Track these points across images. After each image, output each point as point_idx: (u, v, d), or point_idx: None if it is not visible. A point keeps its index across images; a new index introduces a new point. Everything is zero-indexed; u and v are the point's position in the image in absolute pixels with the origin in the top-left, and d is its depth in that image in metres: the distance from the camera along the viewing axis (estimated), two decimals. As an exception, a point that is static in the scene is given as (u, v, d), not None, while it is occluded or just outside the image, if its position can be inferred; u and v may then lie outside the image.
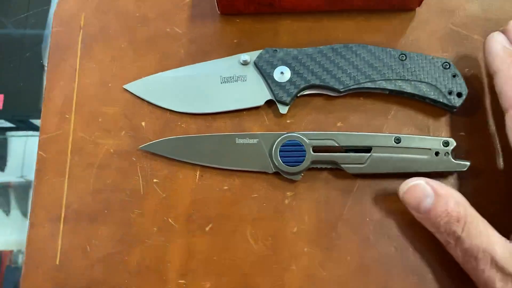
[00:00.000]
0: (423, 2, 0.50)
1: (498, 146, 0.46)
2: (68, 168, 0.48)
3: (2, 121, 0.83)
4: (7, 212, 0.89)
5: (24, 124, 0.84)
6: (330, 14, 0.51)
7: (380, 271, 0.44)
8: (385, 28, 0.51)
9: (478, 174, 0.45)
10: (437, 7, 0.51)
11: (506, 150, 0.46)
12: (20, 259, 0.90)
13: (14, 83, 0.83)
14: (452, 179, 0.46)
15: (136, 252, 0.45)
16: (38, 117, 0.50)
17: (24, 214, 0.90)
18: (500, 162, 0.46)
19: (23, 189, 0.90)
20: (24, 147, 0.86)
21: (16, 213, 0.91)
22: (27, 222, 0.46)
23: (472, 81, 0.48)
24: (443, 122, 0.47)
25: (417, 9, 0.51)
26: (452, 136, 0.46)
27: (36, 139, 0.48)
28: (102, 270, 0.45)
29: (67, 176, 0.47)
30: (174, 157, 0.47)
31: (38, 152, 0.48)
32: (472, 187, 0.45)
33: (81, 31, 0.52)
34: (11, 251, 0.91)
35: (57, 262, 0.45)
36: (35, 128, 0.82)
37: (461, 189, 0.45)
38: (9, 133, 0.85)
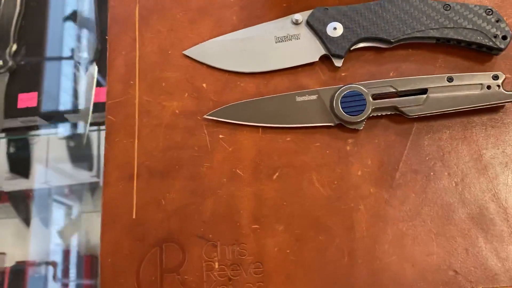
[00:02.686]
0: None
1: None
2: (137, 129, 0.50)
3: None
4: (27, 221, 0.90)
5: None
6: (372, -25, 0.54)
7: (443, 204, 0.46)
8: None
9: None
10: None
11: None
12: (43, 269, 0.91)
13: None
14: (505, 113, 0.48)
15: (209, 202, 0.47)
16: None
17: (45, 222, 0.92)
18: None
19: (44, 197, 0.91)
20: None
21: (36, 221, 0.92)
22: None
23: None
24: (489, 67, 0.50)
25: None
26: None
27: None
28: (178, 221, 0.47)
29: (136, 137, 0.50)
30: (238, 121, 0.49)
31: (107, 117, 0.51)
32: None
33: (137, 4, 0.55)
34: (33, 262, 0.92)
35: (134, 217, 0.47)
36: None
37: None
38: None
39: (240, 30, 0.53)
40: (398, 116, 0.48)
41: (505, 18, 0.51)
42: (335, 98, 0.48)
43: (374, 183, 0.47)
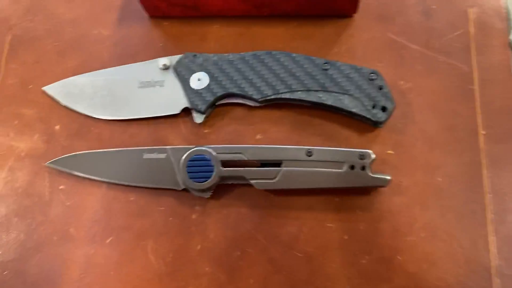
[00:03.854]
0: (361, 9, 0.46)
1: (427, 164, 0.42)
2: (-22, 170, 0.46)
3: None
4: None
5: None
6: (260, 19, 0.48)
7: (283, 298, 0.40)
8: (318, 35, 0.47)
9: (403, 192, 0.41)
10: (376, 13, 0.47)
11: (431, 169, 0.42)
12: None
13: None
14: (375, 195, 0.42)
15: (33, 261, 0.43)
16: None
17: None
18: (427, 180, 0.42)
19: None
20: None
21: None
22: None
23: (407, 94, 0.44)
24: (371, 139, 0.44)
25: (354, 15, 0.47)
26: (380, 154, 0.42)
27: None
28: (-3, 278, 0.43)
29: (-24, 179, 0.46)
30: (80, 174, 0.45)
31: (-49, 152, 0.47)
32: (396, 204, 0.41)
33: (10, 33, 0.51)
34: None
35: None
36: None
37: (382, 205, 0.41)
38: None
39: (105, 69, 0.48)
40: (253, 187, 0.43)
41: (402, 83, 0.44)
42: (181, 161, 0.42)
43: (212, 261, 0.42)
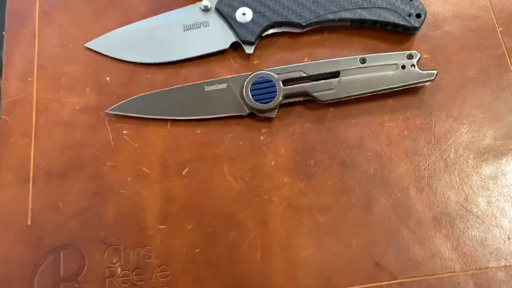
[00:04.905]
0: None
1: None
2: (34, 129, 0.46)
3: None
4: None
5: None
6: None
7: (362, 191, 0.43)
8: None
9: (444, 89, 0.46)
10: None
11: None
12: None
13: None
14: (423, 93, 0.46)
15: (112, 204, 0.44)
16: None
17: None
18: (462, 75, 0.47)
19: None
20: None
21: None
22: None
23: (431, 6, 0.50)
24: (407, 47, 0.48)
25: None
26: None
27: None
28: (78, 225, 0.43)
29: (33, 137, 0.46)
30: (143, 115, 0.46)
31: (1, 117, 0.46)
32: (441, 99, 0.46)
33: (38, -3, 0.51)
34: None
35: (29, 222, 0.43)
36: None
37: (430, 101, 0.46)
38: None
39: (145, 19, 0.50)
40: (312, 103, 0.46)
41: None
42: (244, 86, 0.45)
43: (288, 173, 0.44)
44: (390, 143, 0.45)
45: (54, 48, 0.49)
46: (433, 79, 0.45)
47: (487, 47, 0.48)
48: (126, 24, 0.50)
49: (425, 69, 0.45)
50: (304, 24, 0.47)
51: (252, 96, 0.45)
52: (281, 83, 0.45)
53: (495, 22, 0.49)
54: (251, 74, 0.45)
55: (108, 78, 0.48)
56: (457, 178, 0.44)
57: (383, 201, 0.43)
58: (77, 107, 0.47)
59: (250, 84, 0.45)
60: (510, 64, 0.47)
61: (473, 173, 0.44)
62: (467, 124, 0.45)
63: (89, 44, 0.49)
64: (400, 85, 0.45)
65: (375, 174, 0.44)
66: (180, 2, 0.51)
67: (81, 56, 0.49)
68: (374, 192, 0.43)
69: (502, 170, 0.44)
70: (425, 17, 0.47)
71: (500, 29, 0.49)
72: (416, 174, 0.44)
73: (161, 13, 0.50)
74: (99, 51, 0.49)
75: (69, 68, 0.48)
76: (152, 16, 0.50)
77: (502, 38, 0.48)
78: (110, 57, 0.48)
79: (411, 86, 0.45)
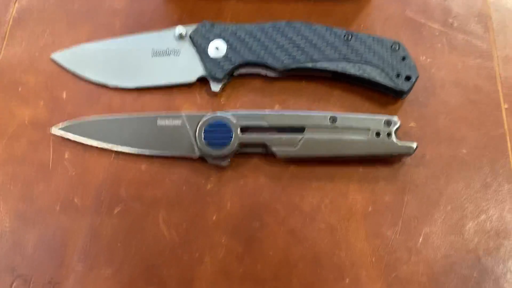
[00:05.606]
0: (379, -13, 0.46)
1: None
2: (-24, 136, 0.43)
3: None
4: None
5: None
6: (278, -5, 0.48)
7: (306, 270, 0.38)
8: (336, 13, 0.47)
9: (426, 164, 0.40)
10: (393, -7, 0.47)
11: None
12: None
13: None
14: (400, 166, 0.40)
15: (34, 231, 0.40)
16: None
17: None
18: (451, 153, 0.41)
19: None
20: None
21: None
22: None
23: (428, 69, 0.44)
24: (392, 112, 0.43)
25: (373, -6, 0.47)
26: (402, 126, 0.40)
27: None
28: (-8, 249, 0.39)
29: (-28, 145, 0.43)
30: (87, 141, 0.42)
31: None
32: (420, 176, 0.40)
33: (16, 1, 0.49)
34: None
35: None
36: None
37: (406, 177, 0.40)
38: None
39: (117, 38, 0.46)
40: (273, 156, 0.41)
41: (422, 58, 0.44)
42: (198, 126, 0.40)
43: (228, 232, 0.39)
44: (350, 218, 0.39)
45: (20, 55, 0.47)
46: (411, 154, 0.39)
47: (486, 125, 0.42)
48: (98, 39, 0.47)
49: (404, 140, 0.39)
50: (279, 69, 0.43)
51: (204, 139, 0.40)
52: (239, 130, 0.40)
53: (501, 98, 0.43)
54: (208, 115, 0.41)
55: (64, 95, 0.45)
56: (420, 272, 0.37)
57: (328, 286, 0.37)
58: (26, 121, 0.44)
59: (205, 126, 0.40)
60: (509, 149, 0.41)
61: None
62: (443, 212, 0.39)
63: (55, 55, 0.46)
64: (370, 154, 0.39)
65: (325, 252, 0.38)
66: (158, 25, 0.47)
67: (44, 67, 0.46)
68: (320, 273, 0.37)
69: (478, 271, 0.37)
70: (415, 81, 0.41)
71: (506, 106, 0.42)
72: (373, 259, 0.38)
73: (136, 32, 0.47)
74: (63, 64, 0.46)
75: (28, 78, 0.46)
76: (126, 34, 0.47)
77: (505, 117, 0.42)
78: (72, 73, 0.45)
79: (382, 157, 0.39)
